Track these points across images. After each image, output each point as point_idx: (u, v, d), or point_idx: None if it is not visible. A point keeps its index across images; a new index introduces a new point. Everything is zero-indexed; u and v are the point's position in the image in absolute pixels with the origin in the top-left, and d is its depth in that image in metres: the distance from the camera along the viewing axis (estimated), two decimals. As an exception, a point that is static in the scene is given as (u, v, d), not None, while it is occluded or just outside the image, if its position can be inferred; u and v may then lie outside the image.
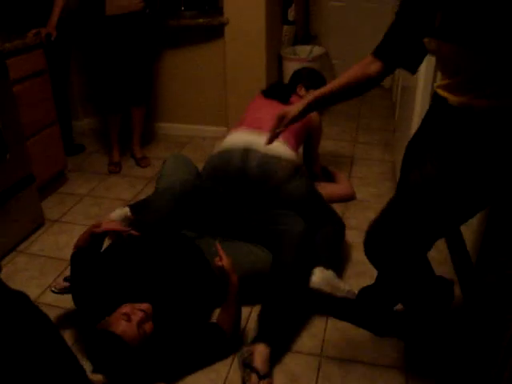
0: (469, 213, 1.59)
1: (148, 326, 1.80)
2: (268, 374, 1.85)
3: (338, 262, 2.45)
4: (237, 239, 2.33)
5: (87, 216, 3.01)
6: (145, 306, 1.84)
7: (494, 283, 1.84)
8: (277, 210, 2.36)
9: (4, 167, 2.60)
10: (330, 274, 2.19)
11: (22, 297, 0.92)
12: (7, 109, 2.59)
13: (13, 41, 2.74)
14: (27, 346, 0.92)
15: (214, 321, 2.03)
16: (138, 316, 1.78)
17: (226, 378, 1.92)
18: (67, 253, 2.60)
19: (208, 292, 2.14)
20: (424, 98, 2.58)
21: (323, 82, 2.88)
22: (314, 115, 2.84)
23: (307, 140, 2.93)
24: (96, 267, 2.04)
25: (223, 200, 2.45)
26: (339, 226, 2.52)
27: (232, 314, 2.00)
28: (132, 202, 2.72)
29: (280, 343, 2.02)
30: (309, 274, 2.17)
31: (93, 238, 2.12)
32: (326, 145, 3.84)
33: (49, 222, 2.97)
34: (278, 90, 2.88)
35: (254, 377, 1.82)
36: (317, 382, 1.90)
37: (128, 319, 1.75)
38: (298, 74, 3.08)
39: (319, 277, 2.16)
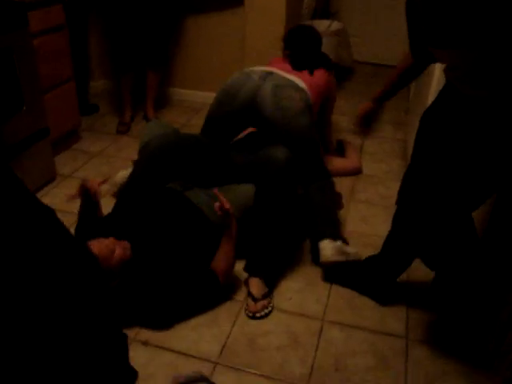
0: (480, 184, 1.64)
1: (119, 250, 1.88)
2: (264, 296, 2.07)
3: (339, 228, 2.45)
4: (225, 184, 2.35)
5: (98, 174, 3.04)
6: (124, 242, 1.93)
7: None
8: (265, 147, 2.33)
9: (20, 118, 2.62)
10: (338, 243, 2.23)
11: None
12: (26, 60, 2.60)
13: (34, -7, 2.74)
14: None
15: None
16: (109, 242, 1.88)
17: (230, 333, 1.97)
18: (77, 207, 2.65)
19: (205, 241, 2.16)
20: (440, 78, 2.57)
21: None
22: (332, 81, 2.84)
23: (323, 104, 2.91)
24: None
25: (207, 150, 2.44)
26: (330, 184, 2.47)
27: (229, 256, 2.07)
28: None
29: (270, 272, 2.17)
30: (293, 202, 2.22)
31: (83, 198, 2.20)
32: (340, 120, 3.84)
33: (60, 176, 3.00)
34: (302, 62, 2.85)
35: (250, 301, 2.07)
36: (318, 343, 1.93)
37: (99, 242, 1.86)
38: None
39: (330, 248, 2.19)
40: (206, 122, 2.55)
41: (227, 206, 1.99)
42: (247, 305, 2.07)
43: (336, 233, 2.30)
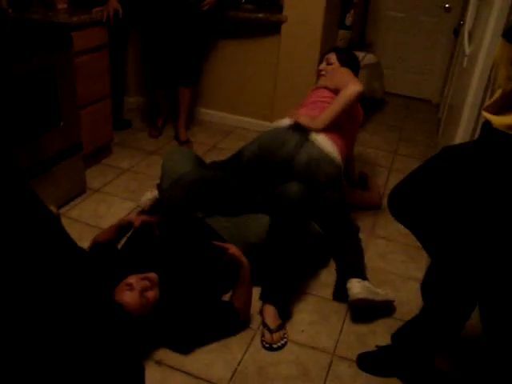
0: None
1: (152, 294, 1.89)
2: (279, 327, 2.11)
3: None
4: (244, 213, 2.43)
5: (126, 189, 3.13)
6: (150, 274, 1.93)
7: None
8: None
9: (56, 133, 2.73)
10: (366, 283, 2.28)
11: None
12: (67, 78, 2.72)
13: (80, 15, 2.87)
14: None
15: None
16: (140, 284, 1.87)
17: (241, 359, 2.01)
18: (104, 222, 2.75)
19: (223, 268, 2.22)
20: (470, 118, 2.56)
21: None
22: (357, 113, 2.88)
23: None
24: (115, 256, 2.17)
25: (230, 186, 2.52)
26: (356, 234, 2.62)
27: (244, 293, 2.13)
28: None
29: (283, 299, 2.21)
30: (305, 233, 2.30)
31: (121, 230, 2.30)
32: (366, 152, 3.88)
33: (90, 190, 3.10)
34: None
35: (266, 332, 2.10)
36: (326, 377, 1.96)
37: (130, 289, 1.84)
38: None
39: (359, 287, 2.22)
40: (241, 162, 2.62)
41: (231, 250, 2.07)
42: (263, 336, 2.10)
43: (363, 274, 2.36)
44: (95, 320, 0.93)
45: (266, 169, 2.51)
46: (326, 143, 2.49)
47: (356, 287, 2.22)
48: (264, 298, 2.21)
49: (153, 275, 1.93)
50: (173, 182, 2.51)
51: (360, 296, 2.19)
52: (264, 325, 2.12)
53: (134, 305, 1.82)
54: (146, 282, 1.89)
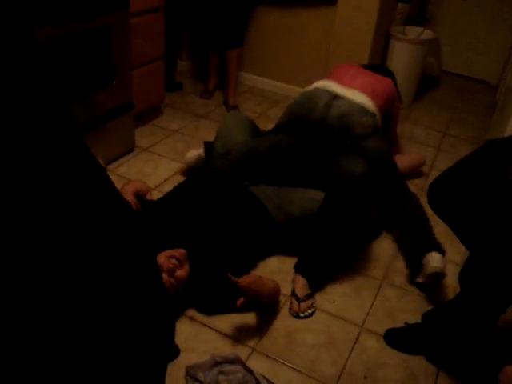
0: None
1: (180, 273, 1.92)
2: (308, 297, 2.15)
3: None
4: (293, 185, 2.42)
5: (174, 150, 3.21)
6: (177, 252, 1.95)
7: None
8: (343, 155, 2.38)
9: (109, 91, 2.81)
10: (441, 256, 2.26)
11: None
12: (122, 38, 2.77)
13: (138, -25, 2.91)
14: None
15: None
16: (168, 266, 1.90)
17: (271, 323, 2.08)
18: (151, 181, 2.84)
19: (262, 234, 2.26)
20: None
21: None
22: (395, 93, 2.85)
23: (385, 116, 2.90)
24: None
25: (284, 156, 2.50)
26: (417, 201, 2.56)
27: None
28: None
29: (317, 276, 2.24)
30: (361, 219, 2.28)
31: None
32: (415, 131, 3.82)
33: (138, 149, 3.19)
34: (372, 66, 2.96)
35: (294, 301, 2.15)
36: (352, 349, 2.00)
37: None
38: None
39: (439, 260, 2.22)
40: (284, 124, 2.64)
41: (243, 283, 1.89)
42: (291, 304, 2.15)
43: (440, 247, 2.32)
44: (137, 277, 0.98)
45: (305, 134, 2.51)
46: (354, 95, 2.49)
47: (437, 260, 2.21)
48: (298, 269, 2.24)
49: (181, 252, 1.96)
50: (220, 154, 2.54)
51: (440, 270, 2.19)
52: (293, 293, 2.17)
53: (166, 285, 1.88)
54: (174, 262, 1.92)
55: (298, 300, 2.13)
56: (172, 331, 1.32)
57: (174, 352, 1.27)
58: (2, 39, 0.73)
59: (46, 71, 0.83)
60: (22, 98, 0.76)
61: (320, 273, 2.26)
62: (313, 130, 2.49)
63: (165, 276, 1.89)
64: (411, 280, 2.35)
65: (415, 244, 2.37)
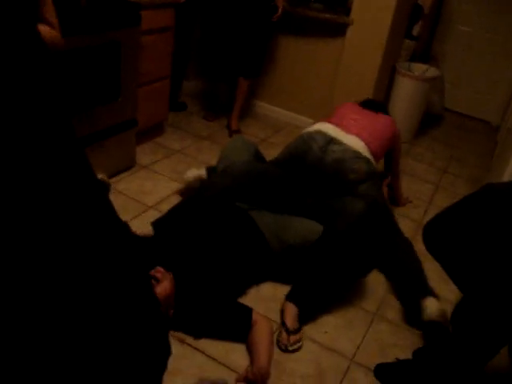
0: None
1: (159, 289, 1.88)
2: (297, 330, 2.07)
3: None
4: (291, 214, 2.42)
5: (174, 170, 3.21)
6: (155, 270, 1.93)
7: None
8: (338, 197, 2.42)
9: (113, 107, 2.82)
10: (439, 304, 2.24)
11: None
12: (131, 55, 2.80)
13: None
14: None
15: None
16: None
17: (259, 352, 2.04)
18: (149, 199, 2.84)
19: (256, 260, 2.24)
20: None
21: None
22: (397, 132, 2.87)
23: (387, 155, 2.96)
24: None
25: (282, 182, 2.53)
26: (410, 246, 2.59)
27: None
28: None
29: (308, 307, 2.18)
30: (358, 257, 2.23)
31: None
32: (416, 167, 3.84)
33: (139, 166, 3.19)
34: (372, 104, 2.97)
35: (283, 332, 2.07)
36: (341, 382, 1.97)
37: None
38: None
39: (436, 308, 2.20)
40: (283, 162, 2.66)
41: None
42: (280, 335, 2.08)
43: (433, 291, 2.32)
44: (130, 293, 0.97)
45: (301, 174, 2.55)
46: (348, 140, 2.52)
47: (434, 308, 2.19)
48: (290, 297, 2.19)
49: (157, 270, 1.94)
50: (223, 169, 2.55)
51: (434, 318, 2.16)
52: (283, 324, 2.10)
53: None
54: (153, 280, 1.91)
55: (288, 332, 2.06)
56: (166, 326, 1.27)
57: (167, 350, 1.23)
58: (14, 49, 0.73)
59: (53, 82, 0.83)
60: (27, 106, 0.76)
61: (313, 303, 2.23)
62: (309, 172, 2.54)
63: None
64: (408, 322, 2.32)
65: (410, 289, 2.39)
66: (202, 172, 2.83)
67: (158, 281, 1.91)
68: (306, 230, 2.30)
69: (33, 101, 0.75)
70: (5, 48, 0.70)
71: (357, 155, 2.51)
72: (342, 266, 2.19)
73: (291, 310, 2.13)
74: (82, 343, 0.86)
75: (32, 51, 0.76)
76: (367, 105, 2.93)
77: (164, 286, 1.92)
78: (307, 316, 2.20)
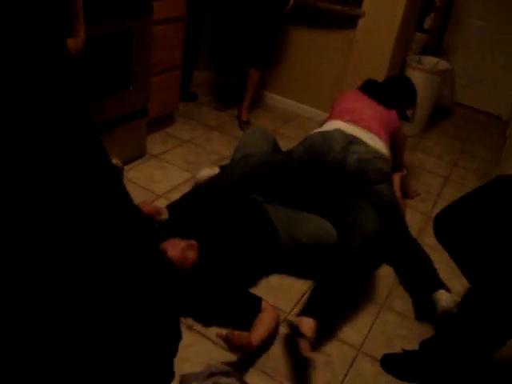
0: None
1: (192, 254, 2.05)
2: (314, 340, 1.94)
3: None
4: (304, 210, 2.41)
5: (184, 160, 3.22)
6: (192, 241, 2.07)
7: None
8: (355, 199, 2.41)
9: (125, 96, 2.84)
10: (451, 295, 2.27)
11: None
12: (143, 45, 2.81)
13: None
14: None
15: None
16: (184, 242, 2.04)
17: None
18: (158, 188, 2.86)
19: (268, 254, 2.26)
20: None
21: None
22: (399, 125, 2.87)
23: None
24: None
25: (299, 177, 2.52)
26: (418, 245, 2.60)
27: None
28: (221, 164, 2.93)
29: (326, 321, 2.06)
30: (367, 270, 2.28)
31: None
32: (425, 160, 3.83)
33: (149, 155, 3.21)
34: (374, 88, 2.93)
35: (303, 342, 1.87)
36: (348, 371, 1.99)
37: (175, 244, 2.02)
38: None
39: (449, 300, 2.22)
40: (299, 161, 2.64)
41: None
42: (300, 343, 1.88)
43: (445, 285, 2.34)
44: (144, 269, 0.99)
45: (319, 172, 2.55)
46: (369, 138, 2.52)
47: (447, 300, 2.21)
48: (306, 312, 2.01)
49: (194, 242, 2.07)
50: (240, 158, 2.56)
51: (449, 310, 2.17)
52: (300, 335, 1.90)
53: (177, 258, 1.96)
54: (189, 242, 2.05)
55: (308, 339, 1.89)
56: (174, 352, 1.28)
57: (170, 376, 1.24)
58: (45, 59, 0.77)
59: (74, 83, 0.86)
60: (46, 96, 0.78)
61: (332, 313, 2.13)
62: (329, 171, 2.53)
63: (178, 249, 2.00)
64: (418, 316, 2.33)
65: (421, 283, 2.38)
66: (216, 171, 2.76)
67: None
68: (318, 228, 2.29)
69: (59, 96, 0.78)
70: (39, 60, 0.75)
71: (378, 155, 2.51)
72: (355, 274, 2.18)
73: (310, 323, 1.95)
74: (98, 324, 0.88)
75: (59, 62, 0.81)
76: (369, 90, 2.90)
77: (196, 255, 2.07)
78: (326, 327, 2.11)
